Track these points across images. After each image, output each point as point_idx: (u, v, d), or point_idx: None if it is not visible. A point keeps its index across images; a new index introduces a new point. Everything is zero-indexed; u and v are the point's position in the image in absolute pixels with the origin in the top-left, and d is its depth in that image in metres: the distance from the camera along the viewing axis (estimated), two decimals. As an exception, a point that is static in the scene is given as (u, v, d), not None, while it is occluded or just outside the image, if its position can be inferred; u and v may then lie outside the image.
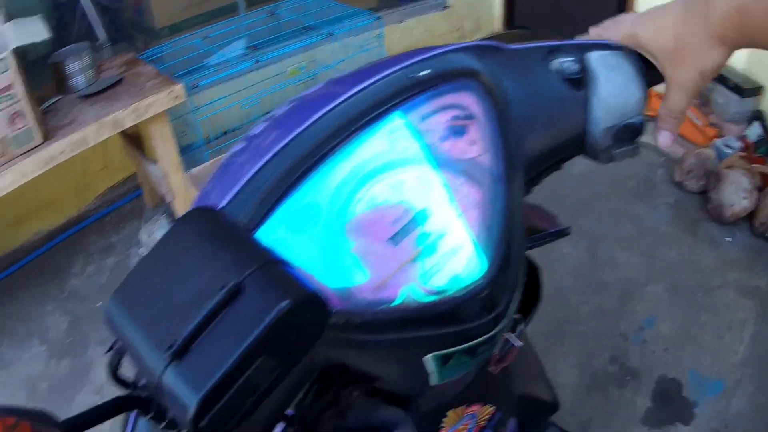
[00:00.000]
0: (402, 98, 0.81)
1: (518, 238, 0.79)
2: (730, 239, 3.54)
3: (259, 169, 0.77)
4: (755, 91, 3.94)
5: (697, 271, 3.35)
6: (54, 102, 3.02)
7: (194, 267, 0.66)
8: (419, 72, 0.84)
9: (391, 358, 0.82)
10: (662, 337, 3.01)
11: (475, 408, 1.15)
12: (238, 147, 0.88)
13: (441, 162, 0.79)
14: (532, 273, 1.23)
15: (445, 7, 5.56)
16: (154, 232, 3.60)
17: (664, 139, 0.98)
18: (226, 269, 0.64)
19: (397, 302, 0.72)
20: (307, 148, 0.77)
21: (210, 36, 3.81)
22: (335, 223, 0.74)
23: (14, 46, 2.59)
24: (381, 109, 0.80)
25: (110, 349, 0.70)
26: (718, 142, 3.93)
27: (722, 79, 3.99)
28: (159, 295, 0.66)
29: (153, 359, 0.62)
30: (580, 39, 0.99)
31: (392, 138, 0.78)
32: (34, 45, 2.79)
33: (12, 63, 2.52)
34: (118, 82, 3.14)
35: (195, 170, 3.44)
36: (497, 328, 0.79)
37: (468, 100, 0.83)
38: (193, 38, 3.78)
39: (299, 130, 0.79)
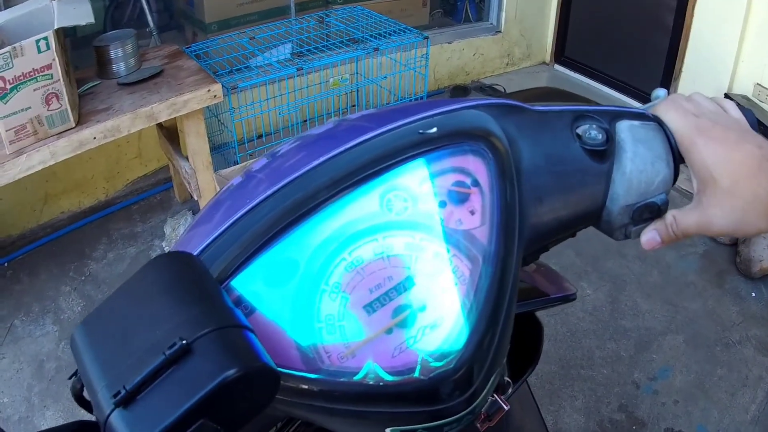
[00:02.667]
0: (404, 156, 0.77)
1: (503, 319, 0.75)
2: (755, 294, 3.49)
3: (242, 216, 0.75)
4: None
5: (719, 325, 3.30)
6: (93, 86, 3.03)
7: (156, 314, 0.64)
8: (429, 128, 0.79)
9: (352, 424, 0.79)
10: (675, 389, 2.96)
11: (464, 458, 1.12)
12: (232, 183, 0.86)
13: (433, 230, 0.75)
14: (534, 331, 1.20)
15: (497, 32, 5.57)
16: (178, 226, 3.59)
17: (649, 240, 0.89)
18: (182, 324, 0.61)
19: (359, 376, 0.69)
20: (295, 200, 0.74)
21: (257, 37, 3.80)
22: (311, 283, 0.72)
23: (57, 27, 2.58)
24: (379, 167, 0.76)
25: (74, 374, 0.68)
26: (755, 195, 3.87)
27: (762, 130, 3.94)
28: (120, 334, 0.64)
29: (102, 400, 0.60)
30: (613, 105, 0.92)
31: (385, 199, 0.75)
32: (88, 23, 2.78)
33: (53, 43, 2.52)
34: (159, 73, 3.15)
35: (224, 171, 3.43)
36: (468, 409, 0.76)
37: (475, 165, 0.78)
38: (240, 37, 3.78)
39: (291, 177, 0.76)
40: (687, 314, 3.36)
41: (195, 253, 0.75)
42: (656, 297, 3.46)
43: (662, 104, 0.91)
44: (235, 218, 0.75)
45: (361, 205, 0.75)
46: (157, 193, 4.08)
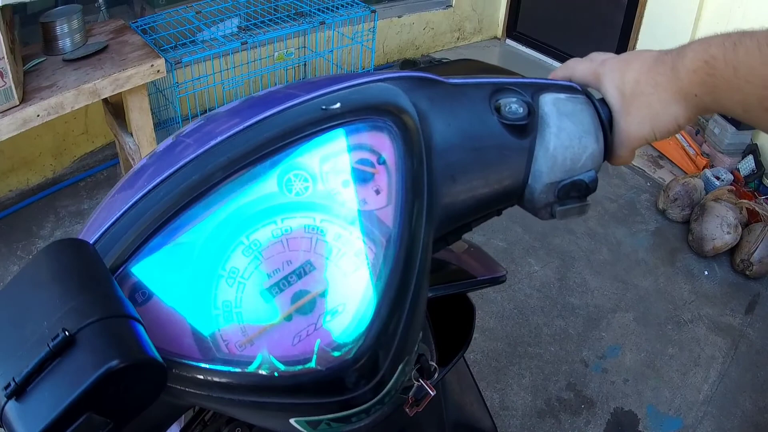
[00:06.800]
0: (304, 134, 0.74)
1: (410, 304, 0.71)
2: (707, 273, 3.50)
3: (138, 200, 0.72)
4: (752, 124, 3.89)
5: (670, 303, 3.32)
6: (38, 63, 2.99)
7: (45, 303, 0.61)
8: (332, 104, 0.76)
9: (255, 415, 0.76)
10: (624, 368, 2.97)
11: (399, 436, 1.10)
12: (138, 164, 0.83)
13: (335, 211, 0.72)
14: (467, 313, 1.18)
15: (448, 6, 5.56)
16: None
17: None
18: (68, 314, 0.59)
19: (253, 366, 0.66)
20: (190, 182, 0.71)
21: (204, 11, 3.77)
22: (207, 268, 0.69)
23: (2, 5, 2.55)
24: (277, 146, 0.73)
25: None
26: (707, 172, 3.90)
27: (720, 109, 3.96)
28: (13, 324, 0.62)
29: None
30: (538, 78, 0.90)
31: (285, 179, 0.72)
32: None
33: (-2, 21, 2.47)
34: (104, 48, 3.10)
35: (168, 147, 3.41)
36: (376, 399, 0.73)
37: (381, 142, 0.75)
38: (187, 11, 3.73)
39: (189, 158, 0.74)
40: (637, 292, 3.37)
41: (94, 239, 0.72)
42: (606, 274, 3.46)
43: (570, 63, 0.95)
44: (131, 202, 0.73)
45: (259, 187, 0.72)
46: (104, 169, 4.02)
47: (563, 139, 0.83)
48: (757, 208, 3.61)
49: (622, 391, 2.87)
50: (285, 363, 0.66)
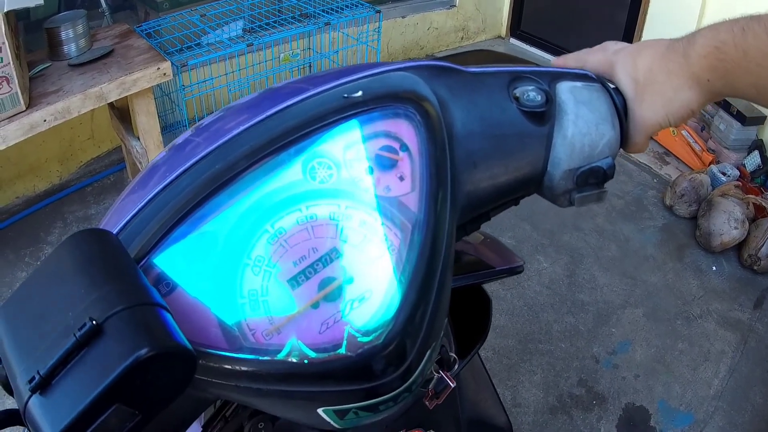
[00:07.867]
0: (327, 122, 0.74)
1: (436, 290, 0.71)
2: (715, 268, 3.49)
3: (161, 190, 0.72)
4: (758, 119, 3.90)
5: (679, 298, 3.31)
6: (44, 68, 2.98)
7: (70, 294, 0.60)
8: (354, 92, 0.76)
9: (282, 405, 0.76)
10: (635, 363, 2.96)
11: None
12: (157, 157, 0.83)
13: (359, 198, 0.72)
14: (483, 305, 1.17)
15: (451, 6, 5.55)
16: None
17: None
18: (94, 304, 0.58)
19: (282, 354, 0.66)
20: (213, 171, 0.71)
21: (209, 14, 3.76)
22: (232, 257, 0.68)
23: (6, 10, 2.54)
24: (300, 134, 0.73)
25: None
26: (713, 168, 3.89)
27: (725, 105, 3.95)
28: (36, 317, 0.61)
29: (20, 386, 0.58)
30: (554, 66, 0.91)
31: (309, 167, 0.72)
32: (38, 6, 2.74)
33: (3, 26, 2.47)
34: (110, 53, 3.10)
35: (175, 150, 3.40)
36: (404, 387, 0.73)
37: (403, 129, 0.75)
38: (191, 14, 3.73)
39: (211, 148, 0.73)
40: (646, 288, 3.37)
41: (116, 230, 0.72)
42: (614, 270, 3.46)
43: (582, 54, 0.96)
44: (154, 193, 0.72)
45: (283, 174, 0.71)
46: (111, 174, 4.02)
47: (581, 126, 0.83)
48: (763, 203, 3.60)
49: (633, 386, 2.86)
50: (315, 350, 0.66)
